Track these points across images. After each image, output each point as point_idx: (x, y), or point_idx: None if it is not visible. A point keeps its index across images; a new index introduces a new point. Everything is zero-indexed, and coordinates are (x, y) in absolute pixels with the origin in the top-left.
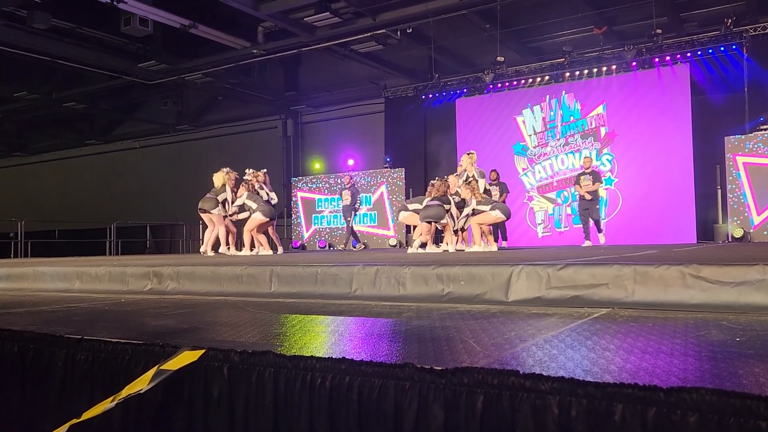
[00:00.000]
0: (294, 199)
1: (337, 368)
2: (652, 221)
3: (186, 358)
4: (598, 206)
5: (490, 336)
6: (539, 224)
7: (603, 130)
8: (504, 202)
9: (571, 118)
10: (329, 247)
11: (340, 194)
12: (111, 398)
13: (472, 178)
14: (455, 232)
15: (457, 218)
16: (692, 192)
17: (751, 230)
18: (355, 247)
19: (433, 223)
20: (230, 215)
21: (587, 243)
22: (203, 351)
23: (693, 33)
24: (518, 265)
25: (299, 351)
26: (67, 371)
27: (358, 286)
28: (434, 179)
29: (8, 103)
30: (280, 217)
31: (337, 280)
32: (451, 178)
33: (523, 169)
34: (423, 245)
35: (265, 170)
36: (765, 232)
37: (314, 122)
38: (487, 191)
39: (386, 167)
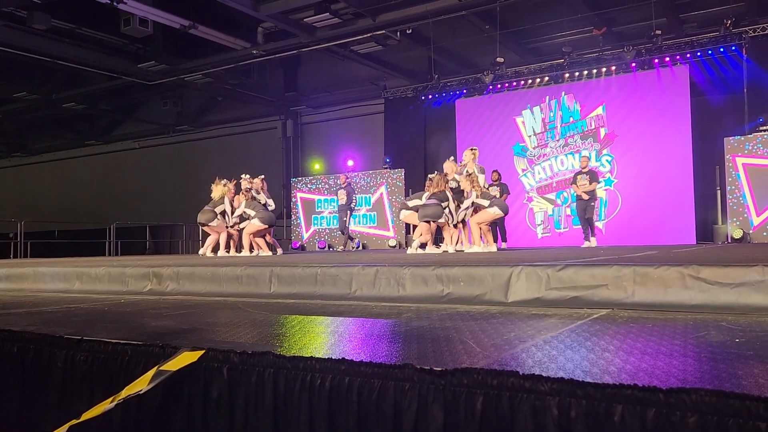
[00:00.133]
0: (293, 199)
1: (336, 369)
2: (652, 222)
3: (186, 358)
4: (593, 205)
5: (490, 337)
6: (539, 225)
7: (602, 131)
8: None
9: (571, 119)
10: (329, 247)
11: (336, 194)
12: (111, 399)
13: (472, 173)
14: (454, 225)
15: (456, 212)
16: (692, 193)
17: (751, 231)
18: (356, 247)
19: (431, 222)
20: (231, 226)
21: (587, 243)
22: (203, 352)
23: (692, 34)
24: (518, 265)
25: (299, 352)
26: (67, 372)
27: (357, 287)
28: (432, 174)
29: (8, 103)
30: (280, 218)
31: (336, 280)
32: (447, 164)
33: (523, 170)
34: (423, 246)
35: (262, 176)
36: (764, 233)
37: (314, 123)
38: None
39: (386, 168)
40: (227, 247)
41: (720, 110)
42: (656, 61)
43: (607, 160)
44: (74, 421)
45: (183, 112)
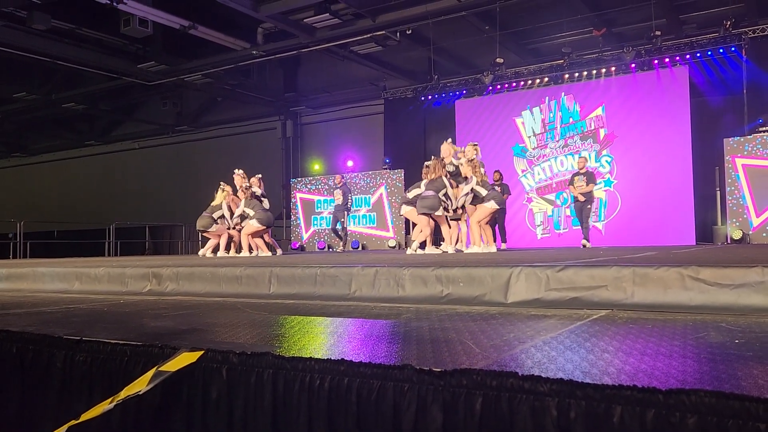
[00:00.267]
0: (293, 200)
1: (335, 370)
2: (652, 223)
3: (185, 359)
4: (590, 207)
5: (489, 337)
6: (538, 226)
7: (602, 132)
8: (505, 203)
9: (571, 119)
10: (328, 248)
11: (332, 194)
12: (110, 399)
13: (474, 159)
14: (454, 210)
15: (455, 198)
16: (691, 194)
17: (750, 232)
18: (354, 247)
19: (430, 216)
20: (233, 227)
21: (587, 244)
22: (202, 352)
23: (692, 35)
24: (517, 266)
25: (298, 352)
26: (66, 372)
27: (357, 288)
28: (429, 160)
29: (8, 103)
30: (279, 218)
31: (336, 281)
32: (445, 146)
33: (523, 171)
34: (422, 246)
35: (260, 175)
36: (764, 234)
37: (314, 123)
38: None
39: (385, 168)
40: (227, 248)
41: (719, 111)
42: (656, 62)
43: (606, 161)
44: (73, 422)
45: (183, 112)
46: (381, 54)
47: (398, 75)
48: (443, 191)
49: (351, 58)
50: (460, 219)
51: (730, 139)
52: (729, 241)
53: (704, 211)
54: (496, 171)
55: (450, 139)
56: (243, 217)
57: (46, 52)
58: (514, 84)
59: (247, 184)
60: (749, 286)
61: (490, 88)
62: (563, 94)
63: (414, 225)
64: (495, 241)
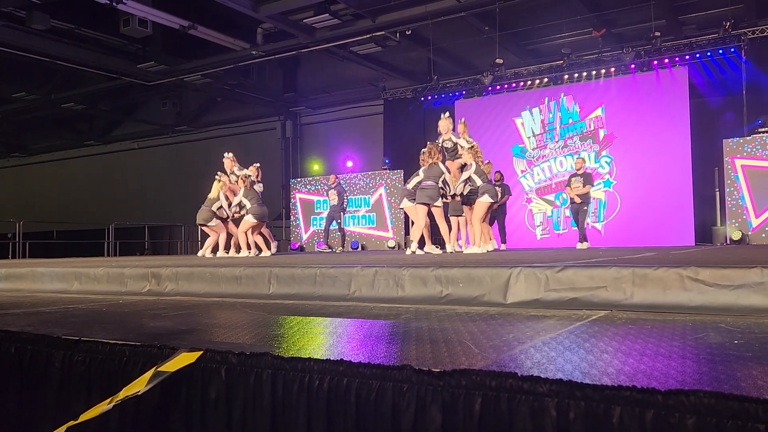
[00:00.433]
0: (293, 200)
1: (335, 370)
2: (651, 223)
3: (184, 359)
4: (587, 209)
5: (489, 338)
6: (538, 226)
7: (602, 133)
8: (505, 204)
9: (570, 120)
10: (328, 248)
11: (326, 195)
12: (108, 400)
13: (475, 145)
14: (452, 197)
15: (453, 185)
16: (690, 194)
17: (750, 233)
18: (321, 248)
19: (429, 208)
20: (232, 217)
21: (585, 244)
22: (201, 352)
23: (691, 36)
24: (517, 267)
25: (297, 353)
26: (65, 372)
27: (356, 288)
28: (425, 147)
29: (7, 103)
30: (279, 218)
31: (335, 281)
32: (442, 122)
33: (522, 171)
34: (421, 246)
35: (257, 164)
36: (763, 235)
37: (313, 124)
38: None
39: (385, 169)
40: (227, 248)
41: (719, 112)
42: (655, 62)
43: (606, 162)
44: (72, 422)
45: (182, 112)
46: (380, 54)
47: (398, 75)
48: (441, 178)
49: (350, 59)
50: (460, 215)
51: (729, 139)
52: (728, 242)
53: (703, 212)
54: (497, 171)
55: (447, 113)
56: (241, 206)
57: (46, 52)
58: (514, 84)
59: (248, 173)
60: (748, 287)
61: (490, 88)
62: (563, 94)
63: (413, 223)
64: (493, 238)
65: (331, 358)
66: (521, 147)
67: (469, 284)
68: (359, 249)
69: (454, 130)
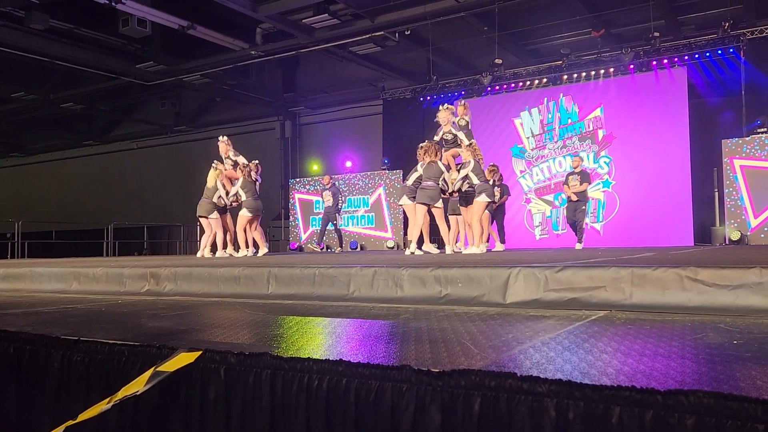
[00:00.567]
0: (292, 200)
1: (334, 370)
2: (650, 224)
3: (183, 359)
4: (584, 208)
5: (488, 338)
6: (537, 226)
7: (601, 133)
8: (504, 204)
9: (569, 120)
10: (327, 248)
11: (321, 195)
12: (107, 400)
13: (473, 143)
14: (450, 193)
15: (452, 183)
16: (689, 195)
17: (749, 233)
18: (315, 246)
19: (429, 208)
20: (230, 205)
21: (579, 245)
22: (200, 352)
23: (690, 36)
24: (516, 267)
25: (296, 353)
26: (64, 372)
27: (355, 288)
28: (422, 143)
29: (6, 103)
30: (278, 218)
31: (334, 281)
32: (442, 113)
33: (521, 172)
34: (420, 245)
35: (256, 161)
36: (762, 235)
37: (312, 124)
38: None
39: (384, 169)
40: (225, 246)
41: (718, 112)
42: (654, 63)
43: (605, 162)
44: (71, 422)
45: (181, 112)
46: (380, 54)
47: (397, 75)
48: (441, 176)
49: (350, 59)
50: (458, 214)
51: (728, 140)
52: (727, 242)
53: (702, 212)
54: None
55: (446, 105)
56: (238, 196)
57: (45, 52)
58: (513, 85)
59: (245, 162)
60: (747, 287)
61: (489, 88)
62: (562, 95)
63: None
64: (489, 240)
65: (330, 358)
66: (520, 147)
67: (468, 284)
68: (358, 249)
69: (454, 124)
